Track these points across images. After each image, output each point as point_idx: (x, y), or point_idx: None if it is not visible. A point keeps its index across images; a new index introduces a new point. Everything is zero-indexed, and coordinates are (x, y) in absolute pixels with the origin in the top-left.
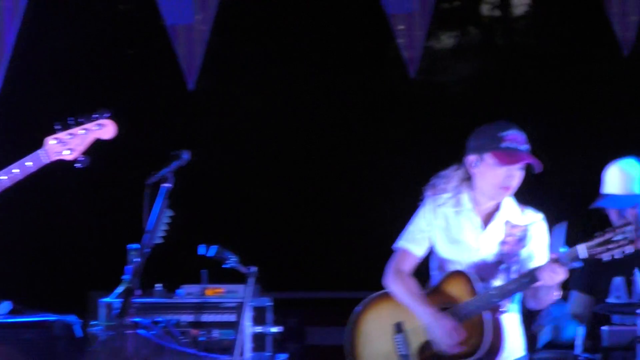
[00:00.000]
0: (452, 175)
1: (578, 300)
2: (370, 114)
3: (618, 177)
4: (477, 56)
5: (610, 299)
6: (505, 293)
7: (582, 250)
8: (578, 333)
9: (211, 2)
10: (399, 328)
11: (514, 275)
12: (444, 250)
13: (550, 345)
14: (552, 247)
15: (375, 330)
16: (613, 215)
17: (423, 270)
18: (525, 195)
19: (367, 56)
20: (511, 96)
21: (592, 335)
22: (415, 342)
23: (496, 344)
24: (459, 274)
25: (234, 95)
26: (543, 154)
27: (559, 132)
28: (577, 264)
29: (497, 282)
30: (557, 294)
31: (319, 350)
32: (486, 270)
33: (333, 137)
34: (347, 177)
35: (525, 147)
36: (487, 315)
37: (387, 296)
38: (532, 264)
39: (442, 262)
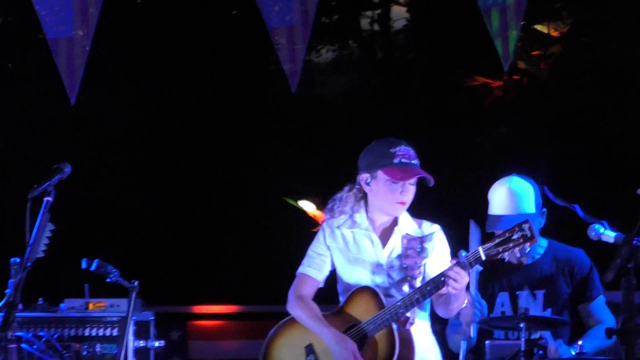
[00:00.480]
0: (347, 196)
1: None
2: (251, 128)
3: (506, 197)
4: (356, 70)
5: (495, 314)
6: (412, 303)
7: (482, 251)
8: (462, 347)
9: (92, 16)
10: (310, 350)
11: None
12: (346, 272)
13: None
14: (471, 245)
15: (288, 354)
16: None
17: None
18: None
19: (249, 70)
20: (390, 109)
21: (475, 350)
22: None
23: (407, 356)
24: (364, 289)
25: (116, 109)
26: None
27: (440, 146)
28: (478, 267)
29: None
30: (465, 299)
31: None
32: (390, 285)
33: (216, 151)
34: (229, 191)
35: (416, 161)
36: (395, 328)
37: (296, 320)
38: (435, 274)
39: (347, 285)
